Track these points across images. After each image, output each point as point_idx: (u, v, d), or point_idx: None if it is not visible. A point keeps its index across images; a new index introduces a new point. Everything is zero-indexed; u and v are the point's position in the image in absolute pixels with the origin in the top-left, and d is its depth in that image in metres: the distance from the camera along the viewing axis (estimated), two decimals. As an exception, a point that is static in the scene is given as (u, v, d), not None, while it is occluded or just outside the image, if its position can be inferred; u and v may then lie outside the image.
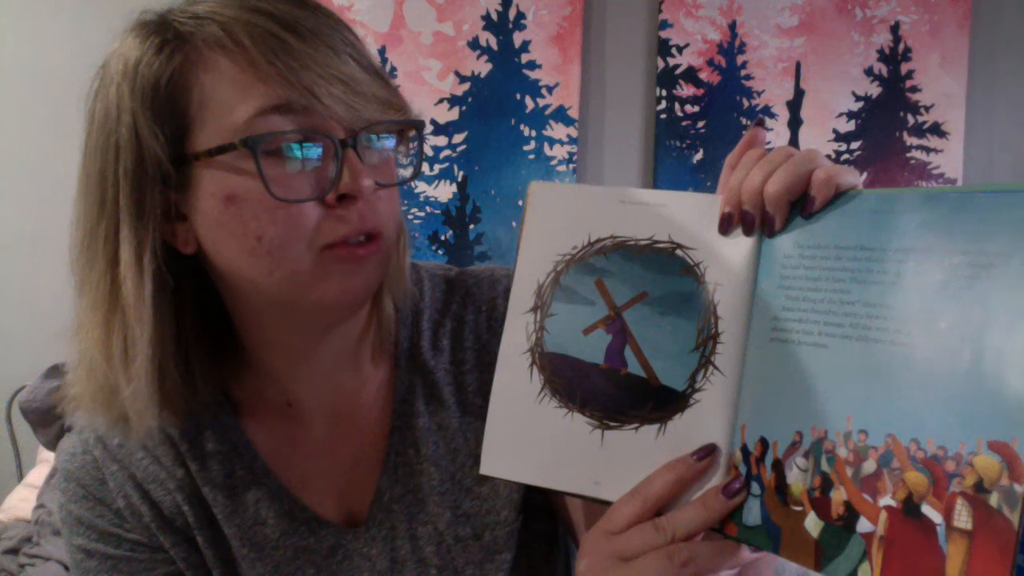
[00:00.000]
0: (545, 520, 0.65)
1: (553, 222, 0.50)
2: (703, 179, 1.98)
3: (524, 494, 0.63)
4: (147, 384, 0.54)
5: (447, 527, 0.62)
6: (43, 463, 1.62)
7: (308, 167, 0.52)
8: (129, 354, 0.54)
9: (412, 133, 0.58)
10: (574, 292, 0.48)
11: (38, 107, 1.82)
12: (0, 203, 1.83)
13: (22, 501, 1.56)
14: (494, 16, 1.89)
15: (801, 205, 0.45)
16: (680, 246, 0.47)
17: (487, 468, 0.50)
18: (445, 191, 1.88)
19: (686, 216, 0.47)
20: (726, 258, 0.46)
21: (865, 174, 2.02)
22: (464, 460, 0.62)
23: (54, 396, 1.51)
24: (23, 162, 1.83)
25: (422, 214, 1.88)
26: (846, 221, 0.43)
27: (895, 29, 2.01)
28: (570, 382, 0.48)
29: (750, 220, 0.46)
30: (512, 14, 1.90)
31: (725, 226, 0.46)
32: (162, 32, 0.53)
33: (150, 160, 0.52)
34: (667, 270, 0.47)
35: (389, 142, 0.56)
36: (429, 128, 1.85)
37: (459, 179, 1.89)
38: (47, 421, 1.54)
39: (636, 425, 0.47)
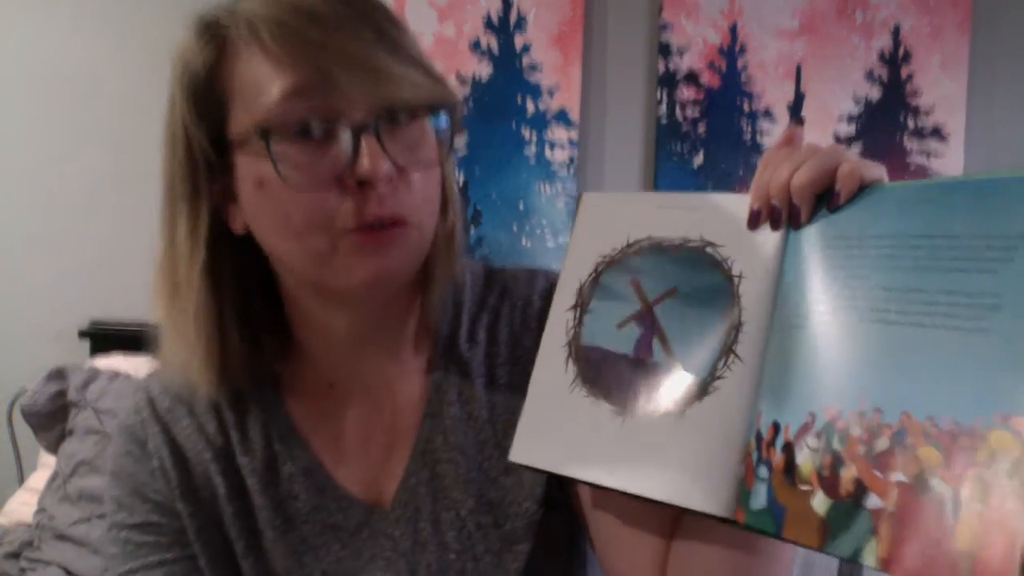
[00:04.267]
0: (566, 518, 0.66)
1: (598, 227, 0.53)
2: (704, 181, 1.98)
3: (547, 489, 0.64)
4: (200, 354, 0.59)
5: (469, 514, 0.63)
6: (44, 467, 1.62)
7: (326, 152, 0.53)
8: (186, 326, 0.59)
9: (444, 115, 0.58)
10: (611, 290, 0.51)
11: (38, 107, 1.82)
12: (1, 204, 1.83)
13: (23, 505, 1.56)
14: (495, 18, 1.89)
15: (827, 198, 0.46)
16: (710, 243, 0.49)
17: (516, 455, 0.52)
18: (446, 194, 1.88)
19: (717, 215, 0.50)
20: (753, 252, 0.48)
21: (865, 177, 2.02)
22: (491, 451, 0.64)
23: (57, 401, 1.52)
24: (24, 164, 1.82)
25: (423, 217, 1.88)
26: (869, 212, 0.45)
27: (895, 32, 2.01)
28: (599, 371, 0.50)
29: (777, 214, 0.47)
30: (513, 16, 1.90)
31: (753, 221, 0.48)
32: (204, 28, 0.57)
33: (196, 148, 0.56)
34: (696, 266, 0.49)
35: (419, 125, 0.56)
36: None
37: (460, 182, 1.89)
38: (48, 425, 1.54)
39: (656, 412, 0.48)
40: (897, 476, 0.39)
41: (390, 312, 0.64)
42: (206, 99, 0.56)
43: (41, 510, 1.47)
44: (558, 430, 0.51)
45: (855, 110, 2.00)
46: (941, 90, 2.02)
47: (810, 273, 0.45)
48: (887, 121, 2.02)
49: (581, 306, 0.52)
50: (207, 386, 0.61)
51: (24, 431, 1.61)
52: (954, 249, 0.41)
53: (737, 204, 0.49)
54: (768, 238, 0.48)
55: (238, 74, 0.55)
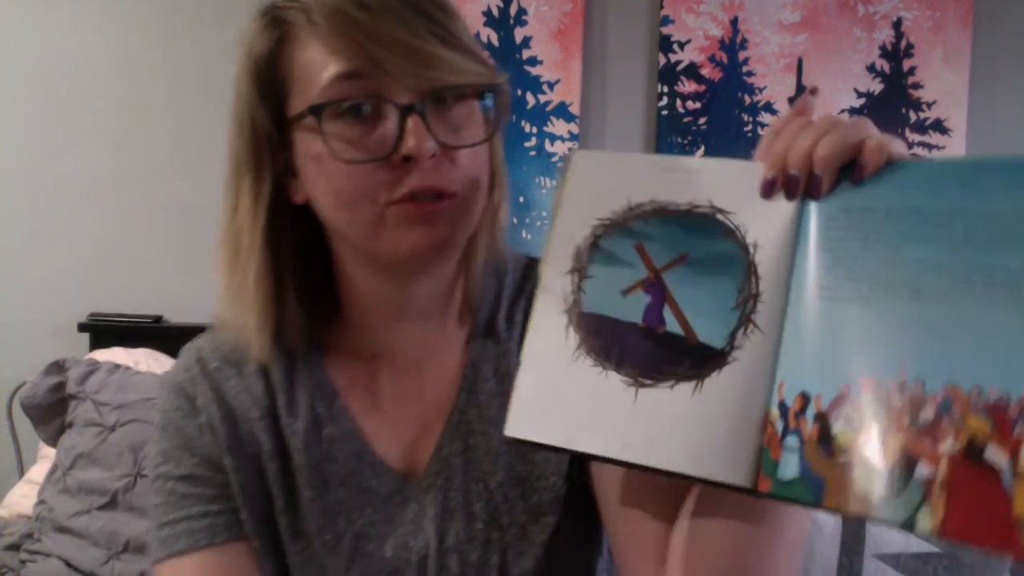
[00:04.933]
0: (590, 498, 0.66)
1: (593, 188, 0.51)
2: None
3: (570, 465, 0.65)
4: (257, 316, 0.64)
5: (498, 486, 0.66)
6: (44, 459, 1.62)
7: (375, 131, 0.57)
8: (245, 290, 0.63)
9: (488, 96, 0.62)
10: (613, 255, 0.49)
11: (37, 104, 1.82)
12: (0, 201, 1.83)
13: (23, 497, 1.56)
14: (495, 12, 1.89)
15: (851, 170, 0.45)
16: (720, 210, 0.47)
17: (512, 430, 0.49)
18: (446, 187, 1.88)
19: (726, 182, 0.48)
20: (767, 221, 0.46)
21: (867, 171, 2.02)
22: None
23: (56, 394, 1.52)
24: (23, 160, 1.82)
25: (423, 210, 1.88)
26: (895, 186, 0.44)
27: (897, 25, 2.00)
28: (607, 341, 0.48)
29: (795, 183, 0.46)
30: (513, 10, 1.89)
31: (768, 189, 0.47)
32: (266, 16, 0.62)
33: (260, 126, 0.61)
34: (707, 233, 0.47)
35: (466, 106, 0.60)
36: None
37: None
38: (48, 417, 1.54)
39: (672, 383, 0.46)
40: (946, 445, 0.39)
41: (435, 287, 0.67)
42: (268, 81, 0.61)
43: (41, 502, 1.47)
44: (562, 403, 0.48)
45: (857, 103, 2.00)
46: (943, 83, 2.01)
47: (833, 244, 0.45)
48: (889, 114, 2.01)
49: (579, 271, 0.49)
50: (260, 348, 0.64)
51: (24, 424, 1.61)
52: (990, 226, 0.41)
53: (745, 170, 0.48)
54: (781, 206, 0.46)
55: (296, 58, 0.59)
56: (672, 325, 0.47)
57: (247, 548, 0.65)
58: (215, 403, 0.66)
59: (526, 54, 1.89)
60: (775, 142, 0.48)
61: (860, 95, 2.00)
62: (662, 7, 1.93)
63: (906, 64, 2.01)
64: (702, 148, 1.95)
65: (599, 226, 0.49)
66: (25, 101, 1.82)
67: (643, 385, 0.47)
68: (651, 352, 0.47)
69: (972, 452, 0.39)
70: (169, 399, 0.68)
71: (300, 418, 0.66)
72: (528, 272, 0.72)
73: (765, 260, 0.46)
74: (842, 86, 1.99)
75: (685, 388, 0.46)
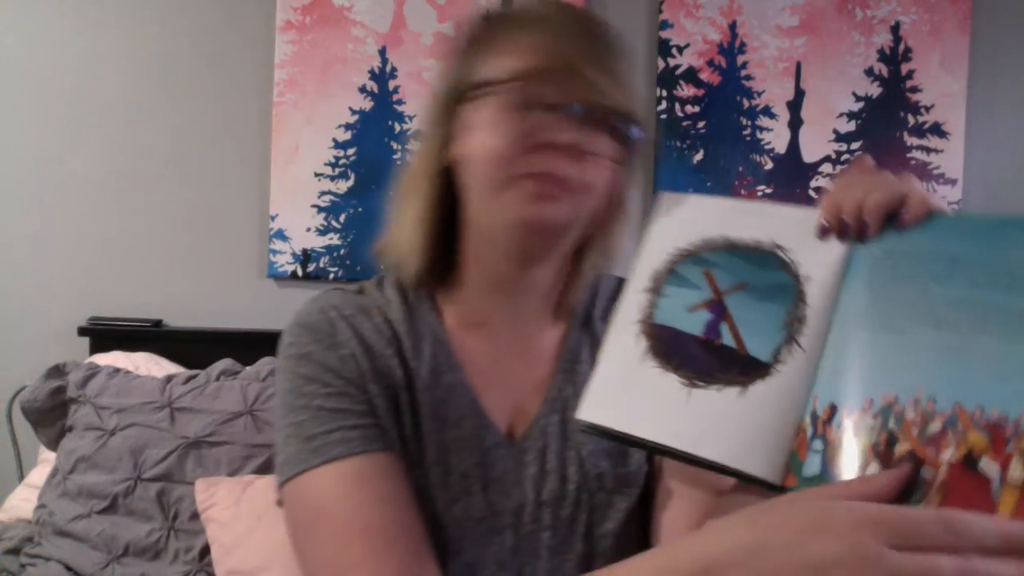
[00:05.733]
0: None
1: (675, 224, 0.61)
2: (703, 179, 1.98)
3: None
4: (416, 248, 0.75)
5: (588, 456, 0.75)
6: (44, 463, 1.62)
7: (538, 115, 0.69)
8: (407, 224, 0.76)
9: (623, 126, 0.73)
10: (685, 279, 0.58)
11: (40, 109, 1.82)
12: (1, 203, 1.83)
13: (23, 501, 1.56)
14: (494, 16, 1.90)
15: (895, 219, 0.54)
16: (779, 247, 0.56)
17: (584, 414, 0.58)
18: (445, 191, 1.89)
19: (787, 224, 0.56)
20: (819, 258, 0.54)
21: (865, 174, 2.02)
22: None
23: (55, 398, 1.52)
24: (24, 164, 1.83)
25: (423, 214, 1.88)
26: (932, 235, 0.52)
27: (895, 29, 2.01)
28: (670, 347, 0.57)
29: (847, 228, 0.54)
30: (512, 14, 1.90)
31: (823, 232, 0.56)
32: (491, 13, 0.76)
33: (454, 87, 0.73)
34: (766, 266, 0.56)
35: (609, 127, 0.71)
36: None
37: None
38: (48, 421, 1.55)
39: (721, 386, 0.54)
40: (948, 453, 0.45)
41: (543, 276, 0.78)
42: (475, 49, 0.73)
43: (41, 506, 1.47)
44: (627, 396, 0.57)
45: (855, 107, 2.00)
46: (941, 87, 2.02)
47: (874, 280, 0.52)
48: (887, 118, 2.01)
49: (655, 290, 0.59)
50: (414, 272, 0.76)
51: (24, 427, 1.62)
52: (1009, 271, 0.48)
53: (805, 215, 0.56)
54: (834, 248, 0.54)
55: (506, 38, 0.72)
56: (727, 339, 0.55)
57: (396, 459, 0.71)
58: (355, 339, 0.74)
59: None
60: (835, 193, 0.56)
61: (858, 99, 2.00)
62: (661, 11, 1.94)
63: (904, 68, 2.01)
64: (701, 152, 1.96)
65: (676, 254, 0.59)
66: (26, 105, 1.82)
67: (696, 386, 0.54)
68: (706, 359, 0.55)
69: (969, 462, 0.44)
70: (305, 336, 0.74)
71: (423, 362, 0.75)
72: (620, 286, 0.80)
73: (813, 291, 0.53)
74: (840, 90, 1.99)
75: (732, 392, 0.53)
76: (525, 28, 0.73)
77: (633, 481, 0.76)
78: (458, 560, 0.72)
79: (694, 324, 0.56)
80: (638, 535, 0.77)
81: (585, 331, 0.81)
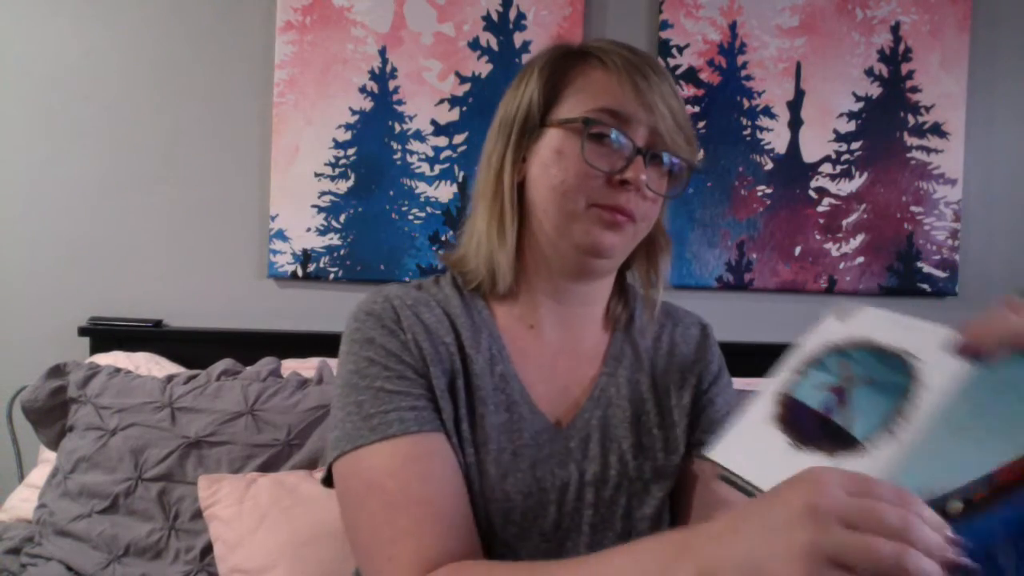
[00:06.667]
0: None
1: (832, 327, 0.71)
2: (704, 179, 1.98)
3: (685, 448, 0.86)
4: (509, 252, 0.84)
5: (628, 448, 0.84)
6: (44, 463, 1.62)
7: (613, 153, 0.79)
8: (500, 232, 0.84)
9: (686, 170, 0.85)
10: (826, 366, 0.67)
11: (38, 109, 1.82)
12: (1, 203, 1.83)
13: (23, 501, 1.56)
14: (495, 17, 1.90)
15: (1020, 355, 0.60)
16: (911, 355, 0.63)
17: (710, 451, 0.67)
18: (445, 191, 1.89)
19: (927, 338, 0.63)
20: (940, 370, 0.60)
21: (865, 174, 2.02)
22: (649, 409, 0.87)
23: (56, 397, 1.52)
24: (24, 164, 1.83)
25: (422, 214, 1.88)
26: None
27: (895, 29, 2.01)
28: (792, 414, 0.66)
29: (973, 351, 0.60)
30: (513, 15, 1.90)
31: (959, 351, 0.62)
32: (569, 47, 0.85)
33: (531, 115, 0.83)
34: (894, 368, 0.63)
35: (668, 168, 0.82)
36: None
37: (459, 179, 1.89)
38: (48, 421, 1.54)
39: (816, 451, 0.62)
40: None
41: (593, 290, 0.88)
42: (551, 86, 0.82)
43: (41, 506, 1.47)
44: (746, 444, 0.67)
45: (855, 107, 2.00)
46: (941, 87, 2.02)
47: (975, 399, 0.58)
48: (887, 118, 2.02)
49: (800, 371, 0.68)
50: (507, 278, 0.84)
51: (24, 428, 1.61)
52: None
53: (939, 332, 0.63)
54: (958, 364, 0.60)
55: (583, 76, 0.81)
56: (837, 417, 0.63)
57: (447, 441, 0.77)
58: (419, 326, 0.81)
59: (525, 58, 1.89)
60: (982, 322, 0.61)
61: (858, 99, 2.00)
62: (661, 11, 1.94)
63: (904, 68, 2.01)
64: (701, 152, 1.95)
65: (827, 347, 0.69)
66: (25, 105, 1.82)
67: (798, 447, 0.63)
68: (812, 429, 0.63)
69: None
70: (368, 323, 0.81)
71: (480, 352, 0.83)
72: (665, 306, 0.94)
73: (923, 396, 0.60)
74: (840, 90, 1.99)
75: (820, 458, 0.60)
76: (600, 68, 0.81)
77: (669, 474, 0.84)
78: (506, 530, 0.78)
79: (817, 400, 0.65)
80: (671, 523, 0.85)
81: (627, 340, 0.91)
